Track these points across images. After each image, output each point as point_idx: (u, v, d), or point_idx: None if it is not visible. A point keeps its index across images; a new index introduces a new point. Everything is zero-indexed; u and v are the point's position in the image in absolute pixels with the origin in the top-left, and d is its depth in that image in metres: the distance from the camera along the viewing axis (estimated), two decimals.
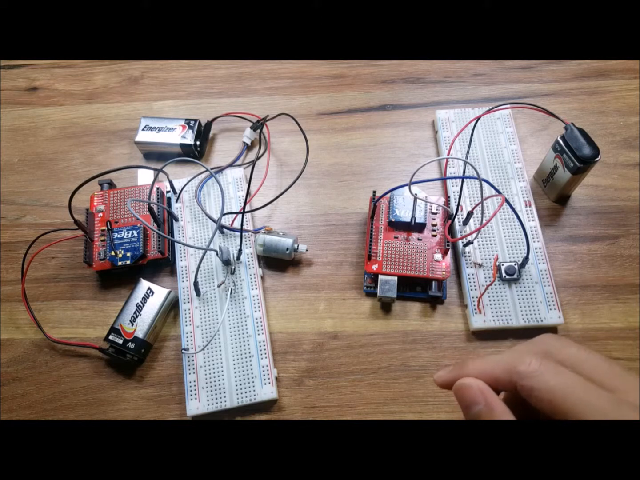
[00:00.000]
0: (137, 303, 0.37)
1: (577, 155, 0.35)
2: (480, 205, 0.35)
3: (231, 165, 0.44)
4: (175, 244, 0.40)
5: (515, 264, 0.37)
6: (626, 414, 0.20)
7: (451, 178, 0.41)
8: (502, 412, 0.24)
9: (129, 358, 0.36)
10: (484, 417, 0.24)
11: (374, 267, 0.37)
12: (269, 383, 0.35)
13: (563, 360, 0.23)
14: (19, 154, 0.47)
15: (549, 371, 0.22)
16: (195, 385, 0.35)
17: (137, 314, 0.37)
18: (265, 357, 0.36)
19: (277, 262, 0.40)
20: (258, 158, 0.44)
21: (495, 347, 0.36)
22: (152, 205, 0.39)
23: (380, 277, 0.37)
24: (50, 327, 0.39)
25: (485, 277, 0.37)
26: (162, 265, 0.41)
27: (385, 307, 0.38)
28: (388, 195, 0.39)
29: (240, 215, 0.39)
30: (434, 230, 0.38)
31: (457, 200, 0.38)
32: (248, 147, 0.45)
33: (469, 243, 0.38)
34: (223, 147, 0.46)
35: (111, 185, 0.43)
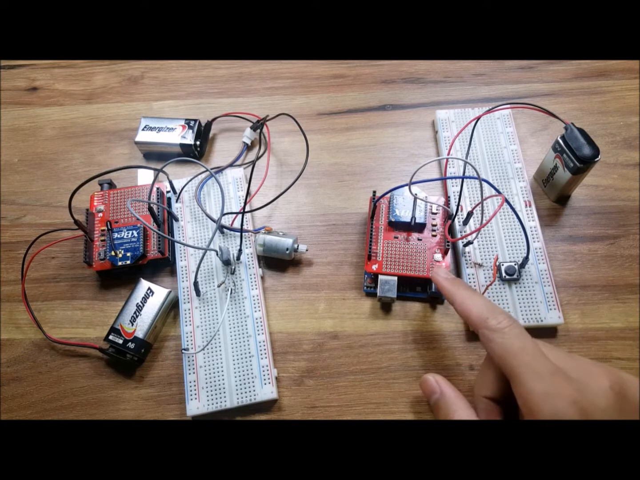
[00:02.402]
0: (137, 303, 0.37)
1: (577, 155, 0.35)
2: (480, 205, 0.35)
3: (231, 165, 0.44)
4: (175, 244, 0.40)
5: (515, 264, 0.37)
6: (559, 384, 0.23)
7: (451, 178, 0.41)
8: (454, 398, 0.30)
9: (129, 358, 0.36)
10: (441, 403, 0.30)
11: (374, 267, 0.37)
12: (269, 383, 0.35)
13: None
14: (19, 154, 0.47)
15: (512, 333, 0.26)
16: (195, 385, 0.35)
17: (137, 314, 0.37)
18: (265, 357, 0.36)
19: (277, 262, 0.40)
20: (258, 158, 0.44)
21: None
22: (152, 205, 0.39)
23: (380, 277, 0.37)
24: (50, 327, 0.39)
25: (485, 277, 0.37)
26: (162, 265, 0.41)
27: (385, 307, 0.38)
28: (388, 195, 0.39)
29: (240, 215, 0.39)
30: (434, 230, 0.38)
31: (457, 200, 0.38)
32: (248, 147, 0.45)
33: (469, 243, 0.38)
34: (223, 147, 0.46)
35: (111, 185, 0.43)
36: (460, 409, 0.29)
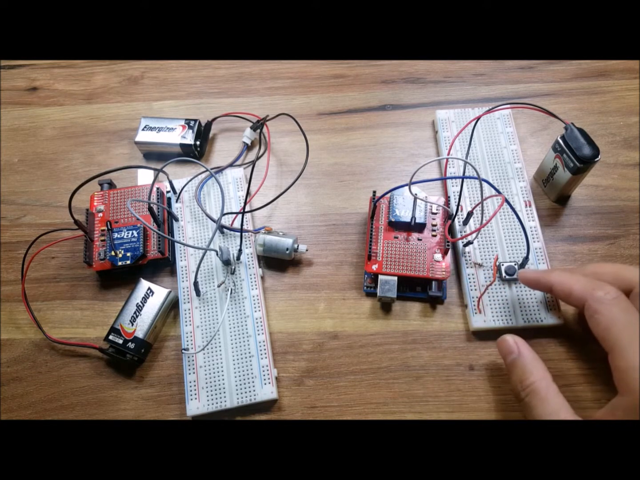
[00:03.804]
0: (137, 303, 0.37)
1: (577, 155, 0.35)
2: (480, 205, 0.35)
3: (231, 165, 0.44)
4: (175, 244, 0.40)
5: (515, 264, 0.37)
6: None
7: (451, 178, 0.41)
8: (533, 360, 0.29)
9: (129, 358, 0.36)
10: (518, 363, 0.29)
11: (374, 267, 0.37)
12: (269, 383, 0.35)
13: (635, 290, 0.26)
14: (19, 154, 0.47)
15: (620, 306, 0.25)
16: (195, 385, 0.35)
17: (137, 314, 0.37)
18: (265, 357, 0.36)
19: (277, 262, 0.40)
20: (258, 158, 0.44)
21: (496, 347, 0.36)
22: (152, 205, 0.39)
23: (380, 277, 0.37)
24: (50, 327, 0.39)
25: (485, 277, 0.37)
26: (162, 265, 0.41)
27: (385, 307, 0.38)
28: (388, 195, 0.39)
29: (240, 215, 0.39)
30: (434, 230, 0.38)
31: (457, 200, 0.38)
32: (248, 147, 0.45)
33: (469, 243, 0.38)
34: (223, 147, 0.46)
35: (111, 185, 0.43)
36: (536, 369, 0.28)
